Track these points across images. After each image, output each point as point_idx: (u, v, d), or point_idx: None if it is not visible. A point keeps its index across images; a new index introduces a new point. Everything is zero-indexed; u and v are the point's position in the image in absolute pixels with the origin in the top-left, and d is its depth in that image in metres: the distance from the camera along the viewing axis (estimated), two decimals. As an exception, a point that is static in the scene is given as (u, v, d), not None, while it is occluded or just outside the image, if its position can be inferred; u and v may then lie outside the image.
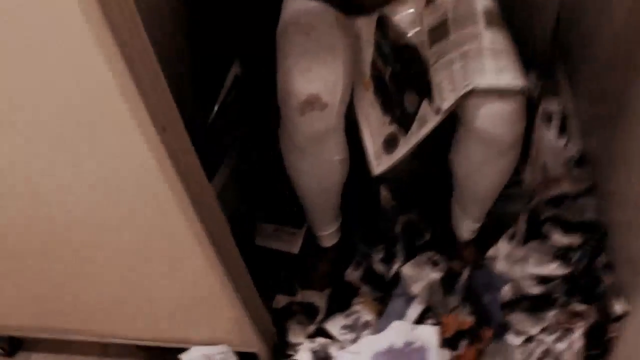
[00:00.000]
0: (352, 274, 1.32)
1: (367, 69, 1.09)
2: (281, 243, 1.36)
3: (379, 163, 1.06)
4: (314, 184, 1.14)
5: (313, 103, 0.96)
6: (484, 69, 0.93)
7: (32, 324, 1.19)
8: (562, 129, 1.35)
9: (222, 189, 1.24)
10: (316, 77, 0.97)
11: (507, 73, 0.93)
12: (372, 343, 1.10)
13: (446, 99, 0.94)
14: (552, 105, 1.38)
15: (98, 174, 0.74)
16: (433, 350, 1.06)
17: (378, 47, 1.07)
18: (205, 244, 0.83)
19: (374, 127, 1.09)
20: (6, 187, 0.79)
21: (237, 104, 1.35)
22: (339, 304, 1.27)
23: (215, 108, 1.32)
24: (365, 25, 1.07)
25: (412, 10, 1.05)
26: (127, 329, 1.14)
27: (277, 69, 1.03)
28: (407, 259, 1.27)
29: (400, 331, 1.10)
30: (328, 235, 1.28)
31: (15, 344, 1.31)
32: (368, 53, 1.08)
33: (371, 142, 1.08)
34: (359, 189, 1.26)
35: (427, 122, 0.99)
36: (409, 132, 1.03)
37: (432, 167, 1.24)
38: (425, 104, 1.00)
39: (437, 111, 0.95)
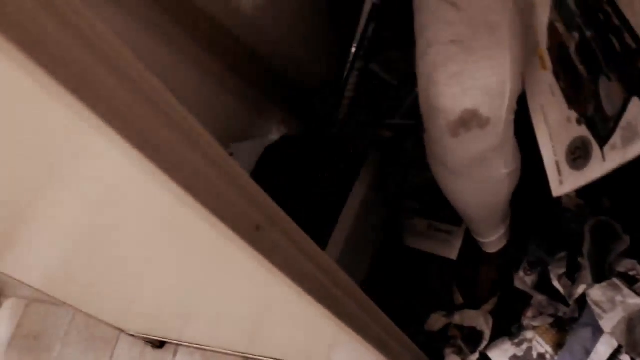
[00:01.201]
0: (523, 280, 1.09)
1: (542, 35, 0.79)
2: (436, 244, 1.15)
3: (563, 180, 0.79)
4: (477, 201, 0.89)
5: (469, 121, 0.70)
6: None
7: (174, 337, 1.17)
8: None
9: (367, 188, 1.06)
10: (472, 83, 0.68)
11: None
12: (549, 395, 0.89)
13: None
14: None
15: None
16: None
17: (558, 2, 0.77)
18: (336, 322, 0.67)
19: (553, 125, 0.80)
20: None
21: (378, 46, 1.12)
22: (507, 319, 1.06)
23: (353, 49, 1.11)
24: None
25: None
26: (265, 350, 1.05)
27: (416, 54, 0.74)
28: (596, 275, 1.00)
29: (587, 385, 0.87)
30: (493, 241, 1.05)
31: (163, 339, 1.31)
32: (544, 12, 0.78)
33: (550, 149, 0.80)
34: (533, 185, 1.00)
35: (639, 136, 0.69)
36: (608, 142, 0.74)
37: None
38: (637, 105, 0.70)
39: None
